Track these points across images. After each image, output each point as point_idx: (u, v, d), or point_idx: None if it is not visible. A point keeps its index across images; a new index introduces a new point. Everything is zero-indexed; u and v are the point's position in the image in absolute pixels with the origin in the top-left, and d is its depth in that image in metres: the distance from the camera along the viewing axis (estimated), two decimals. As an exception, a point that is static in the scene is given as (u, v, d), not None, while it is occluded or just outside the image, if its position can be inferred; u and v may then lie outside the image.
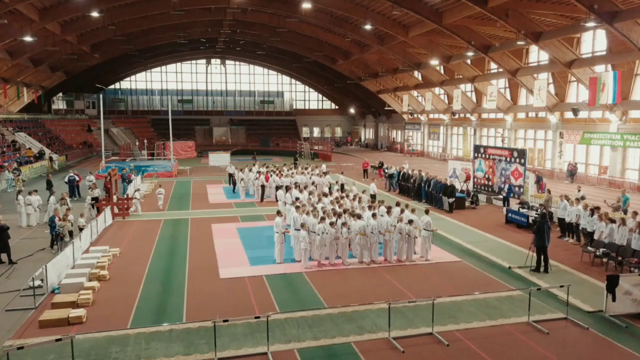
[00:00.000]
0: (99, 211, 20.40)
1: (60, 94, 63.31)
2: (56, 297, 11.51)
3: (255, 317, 9.21)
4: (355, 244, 14.94)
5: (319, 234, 14.31)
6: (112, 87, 70.34)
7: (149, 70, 70.55)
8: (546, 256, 13.81)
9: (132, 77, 70.84)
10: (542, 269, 13.77)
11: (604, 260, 14.24)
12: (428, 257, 15.11)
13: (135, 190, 24.12)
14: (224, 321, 8.79)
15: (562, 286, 11.02)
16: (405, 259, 14.93)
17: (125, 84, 71.50)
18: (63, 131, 54.15)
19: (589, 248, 14.89)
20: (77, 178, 26.08)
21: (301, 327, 10.23)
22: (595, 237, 15.09)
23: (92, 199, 21.25)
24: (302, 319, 10.54)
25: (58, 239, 15.36)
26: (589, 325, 10.28)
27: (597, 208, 15.96)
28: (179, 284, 12.92)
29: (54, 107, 63.03)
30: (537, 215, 16.81)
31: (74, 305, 11.10)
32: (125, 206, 21.51)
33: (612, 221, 14.64)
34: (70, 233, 16.04)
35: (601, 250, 14.28)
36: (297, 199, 18.90)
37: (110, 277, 13.33)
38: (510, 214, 20.17)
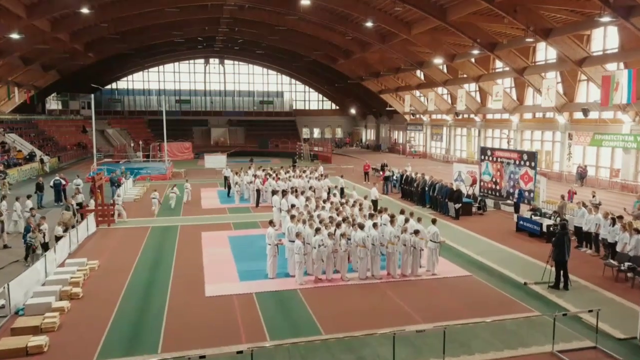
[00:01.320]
0: (82, 218, 19.16)
1: (55, 94, 62.02)
2: (17, 321, 10.20)
3: (238, 352, 7.90)
4: (355, 257, 13.65)
5: (315, 247, 13.01)
6: (108, 87, 69.07)
7: (147, 70, 69.31)
8: (566, 271, 12.49)
9: (129, 77, 69.59)
10: (561, 285, 12.46)
11: (629, 275, 12.94)
12: (435, 271, 13.80)
13: (172, 190, 24.31)
14: (201, 357, 7.49)
15: (590, 311, 9.70)
16: (410, 274, 13.63)
17: (122, 84, 70.25)
18: (57, 132, 52.89)
19: (612, 261, 13.58)
20: (63, 182, 24.78)
21: (292, 357, 8.94)
22: (619, 249, 13.77)
23: (76, 204, 19.94)
24: (293, 347, 9.25)
25: (29, 251, 14.06)
26: (622, 357, 8.96)
27: (620, 217, 14.64)
28: (159, 303, 11.61)
29: (48, 107, 61.77)
30: (554, 225, 15.53)
31: (36, 330, 9.80)
32: (111, 212, 20.23)
33: (638, 232, 13.31)
34: (46, 245, 14.71)
35: (626, 264, 12.98)
36: (292, 205, 17.57)
37: (83, 295, 12.03)
38: (521, 222, 18.84)
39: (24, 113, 50.69)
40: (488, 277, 13.59)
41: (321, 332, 10.04)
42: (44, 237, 14.55)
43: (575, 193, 21.75)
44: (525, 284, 12.88)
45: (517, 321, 10.42)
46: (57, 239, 15.23)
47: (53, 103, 63.88)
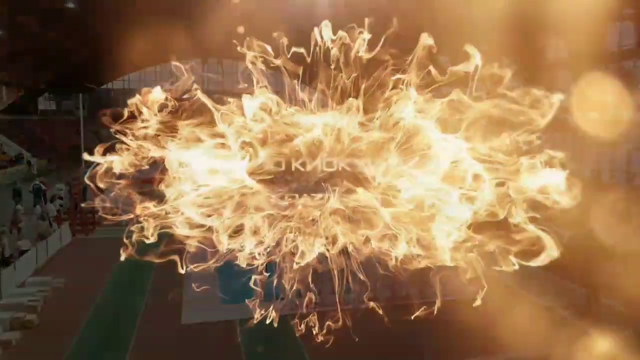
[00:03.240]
0: (57, 226, 17.48)
1: (47, 94, 60.47)
2: (-51, 360, 8.56)
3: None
4: (357, 275, 11.90)
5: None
6: (104, 87, 67.57)
7: (143, 70, 67.72)
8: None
9: (126, 77, 68.00)
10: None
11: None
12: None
13: None
14: None
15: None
16: (418, 294, 11.90)
17: (118, 84, 68.70)
18: (49, 133, 51.33)
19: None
20: (43, 187, 23.01)
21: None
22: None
23: (49, 212, 18.21)
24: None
25: (-18, 269, 12.37)
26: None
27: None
28: (125, 334, 9.94)
29: (40, 107, 60.18)
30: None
31: (-31, 373, 8.15)
32: (90, 221, 18.53)
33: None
34: (6, 261, 12.99)
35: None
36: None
37: (39, 323, 10.34)
38: (539, 231, 17.10)
39: (15, 113, 49.08)
40: (510, 299, 11.85)
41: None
42: (2, 252, 12.84)
43: None
44: (551, 307, 11.17)
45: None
46: (22, 253, 13.55)
47: (46, 103, 62.24)
